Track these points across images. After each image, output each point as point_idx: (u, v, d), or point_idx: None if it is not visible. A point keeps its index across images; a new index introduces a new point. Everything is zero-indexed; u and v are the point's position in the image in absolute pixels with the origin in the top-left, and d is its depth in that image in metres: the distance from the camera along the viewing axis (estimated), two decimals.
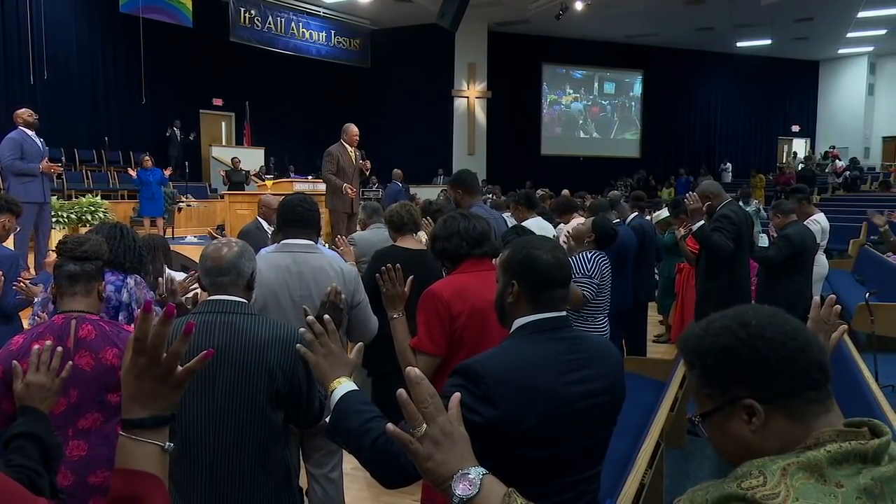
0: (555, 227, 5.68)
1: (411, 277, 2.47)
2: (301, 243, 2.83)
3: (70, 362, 1.91)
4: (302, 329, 1.52)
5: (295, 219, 2.86)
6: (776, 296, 4.73)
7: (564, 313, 1.66)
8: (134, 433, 1.04)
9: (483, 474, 1.10)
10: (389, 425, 1.12)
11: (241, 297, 2.15)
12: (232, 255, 2.13)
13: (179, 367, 1.06)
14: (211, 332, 2.05)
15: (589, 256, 4.16)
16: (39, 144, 7.15)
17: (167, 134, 16.15)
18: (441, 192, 13.40)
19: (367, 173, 7.83)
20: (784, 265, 4.87)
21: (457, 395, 1.18)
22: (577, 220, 5.70)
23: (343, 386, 1.47)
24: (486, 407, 1.48)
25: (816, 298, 1.75)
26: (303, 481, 2.96)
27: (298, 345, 1.52)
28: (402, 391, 1.11)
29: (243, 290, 2.16)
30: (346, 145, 7.45)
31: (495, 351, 1.61)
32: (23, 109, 7.21)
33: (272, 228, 5.54)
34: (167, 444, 1.06)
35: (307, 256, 2.81)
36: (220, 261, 2.12)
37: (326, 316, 1.56)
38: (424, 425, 1.11)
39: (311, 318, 1.52)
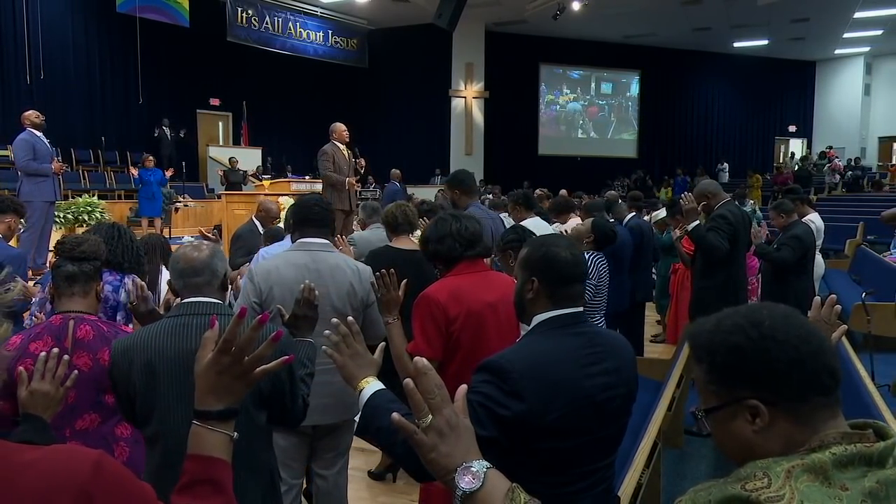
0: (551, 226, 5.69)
1: (405, 281, 2.48)
2: (318, 242, 2.85)
3: (75, 372, 1.90)
4: (327, 332, 1.55)
5: (312, 218, 2.87)
6: (786, 295, 4.73)
7: (581, 308, 1.71)
8: (210, 423, 1.14)
9: (487, 468, 1.10)
10: (395, 415, 1.13)
11: (216, 298, 2.10)
12: (205, 256, 2.09)
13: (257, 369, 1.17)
14: (188, 335, 1.98)
15: (586, 257, 4.17)
16: (48, 145, 7.35)
17: (155, 134, 16.07)
18: (438, 192, 13.41)
19: (362, 171, 7.85)
20: (794, 265, 4.91)
21: (463, 387, 1.19)
22: (574, 221, 5.71)
23: (371, 385, 1.50)
24: (514, 401, 1.53)
25: (817, 299, 1.76)
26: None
27: (324, 346, 1.55)
28: (408, 381, 1.11)
29: (217, 290, 2.12)
30: (338, 144, 7.50)
31: (519, 346, 1.66)
32: (30, 111, 7.38)
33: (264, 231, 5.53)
34: (234, 433, 1.16)
35: (324, 255, 2.83)
36: (193, 262, 2.08)
37: (350, 318, 1.58)
38: (430, 416, 1.11)
39: (335, 320, 1.55)
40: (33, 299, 3.09)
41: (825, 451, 0.92)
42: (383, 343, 1.68)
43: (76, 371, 1.92)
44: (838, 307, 1.74)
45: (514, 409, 1.52)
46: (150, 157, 12.16)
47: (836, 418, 0.97)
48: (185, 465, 1.12)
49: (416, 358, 1.14)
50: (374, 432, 1.46)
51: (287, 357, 1.20)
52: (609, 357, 1.69)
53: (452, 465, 1.10)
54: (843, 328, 1.75)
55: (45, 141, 7.34)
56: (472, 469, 1.09)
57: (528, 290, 1.72)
